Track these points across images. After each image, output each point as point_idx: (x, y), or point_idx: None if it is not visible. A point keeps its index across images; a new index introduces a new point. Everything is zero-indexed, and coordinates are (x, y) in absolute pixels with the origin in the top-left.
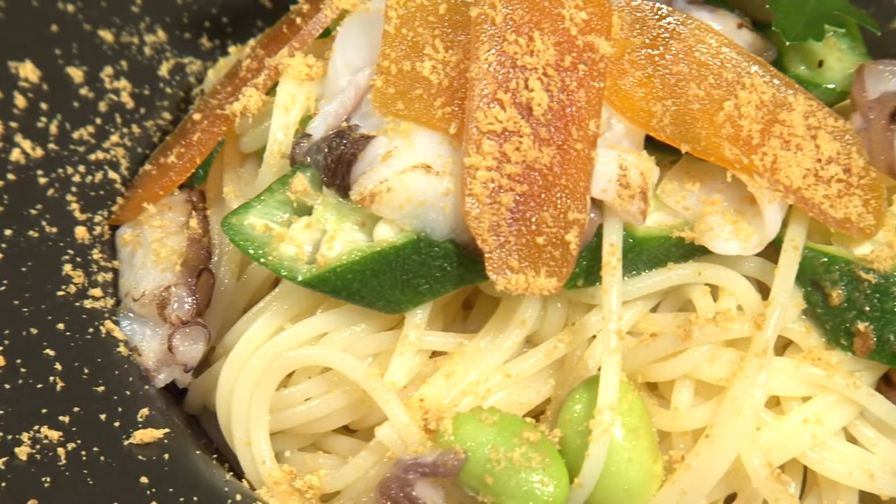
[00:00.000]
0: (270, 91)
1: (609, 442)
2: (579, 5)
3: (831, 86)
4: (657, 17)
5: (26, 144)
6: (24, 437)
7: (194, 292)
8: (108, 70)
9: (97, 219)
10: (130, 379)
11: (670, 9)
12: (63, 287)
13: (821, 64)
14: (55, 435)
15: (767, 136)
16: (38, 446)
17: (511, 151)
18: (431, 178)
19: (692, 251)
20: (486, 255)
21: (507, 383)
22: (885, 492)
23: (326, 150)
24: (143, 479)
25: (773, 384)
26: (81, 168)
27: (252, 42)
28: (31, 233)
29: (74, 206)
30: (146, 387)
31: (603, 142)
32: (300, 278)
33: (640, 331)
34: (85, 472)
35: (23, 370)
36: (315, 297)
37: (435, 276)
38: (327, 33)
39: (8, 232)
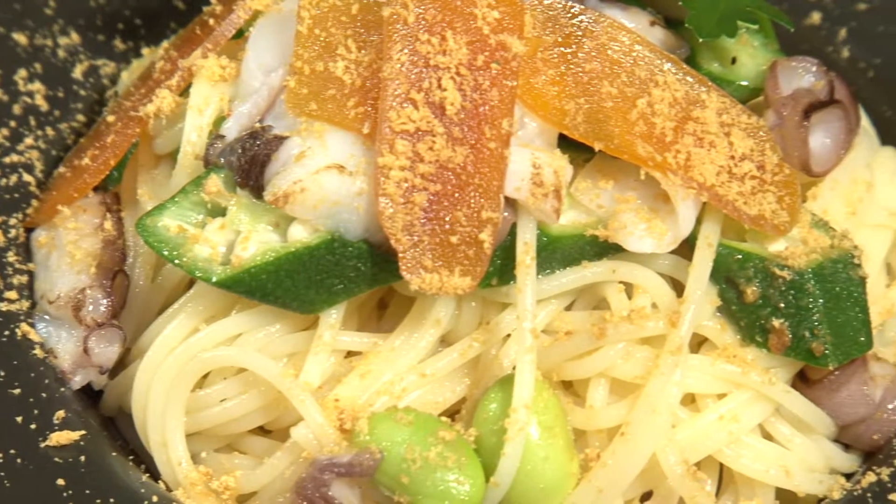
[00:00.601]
0: (184, 92)
1: (524, 440)
2: (492, 4)
3: (744, 83)
4: (569, 15)
5: None
6: None
7: (109, 294)
8: (22, 73)
9: (12, 221)
10: (46, 381)
11: (582, 7)
12: None
13: (734, 61)
14: None
15: (681, 133)
16: None
17: (424, 151)
18: (345, 178)
19: (606, 249)
20: (400, 255)
21: (422, 382)
22: (802, 488)
23: (240, 150)
24: (60, 482)
25: (688, 381)
26: None
27: (165, 44)
28: None
29: None
30: (62, 389)
31: (516, 140)
32: (214, 279)
33: (555, 329)
34: (2, 474)
35: None
36: (230, 297)
37: (349, 276)
38: (240, 34)
39: None
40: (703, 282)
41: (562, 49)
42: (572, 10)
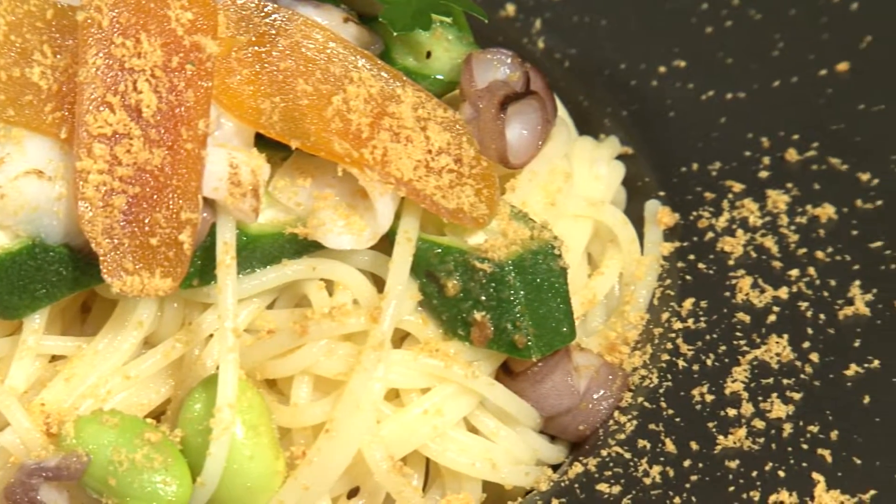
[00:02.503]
0: None
1: (230, 440)
2: (185, 6)
3: (440, 76)
4: (263, 14)
5: None
6: None
7: None
8: None
9: None
10: None
11: (276, 6)
12: None
13: (429, 55)
14: None
15: (377, 129)
16: None
17: (122, 154)
18: (44, 183)
19: (306, 247)
20: (101, 258)
21: (127, 385)
22: (508, 481)
23: None
24: None
25: (391, 377)
26: None
27: None
28: None
29: None
30: None
31: (213, 141)
32: None
33: (257, 328)
34: None
35: None
36: None
37: (51, 281)
38: None
39: None
40: (403, 277)
41: (256, 48)
42: (265, 10)
